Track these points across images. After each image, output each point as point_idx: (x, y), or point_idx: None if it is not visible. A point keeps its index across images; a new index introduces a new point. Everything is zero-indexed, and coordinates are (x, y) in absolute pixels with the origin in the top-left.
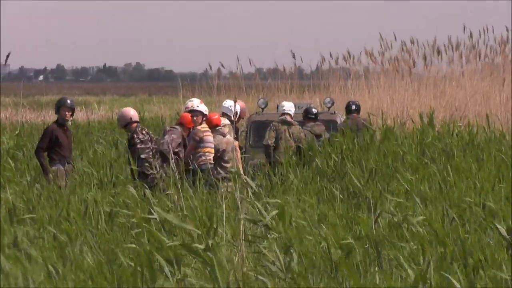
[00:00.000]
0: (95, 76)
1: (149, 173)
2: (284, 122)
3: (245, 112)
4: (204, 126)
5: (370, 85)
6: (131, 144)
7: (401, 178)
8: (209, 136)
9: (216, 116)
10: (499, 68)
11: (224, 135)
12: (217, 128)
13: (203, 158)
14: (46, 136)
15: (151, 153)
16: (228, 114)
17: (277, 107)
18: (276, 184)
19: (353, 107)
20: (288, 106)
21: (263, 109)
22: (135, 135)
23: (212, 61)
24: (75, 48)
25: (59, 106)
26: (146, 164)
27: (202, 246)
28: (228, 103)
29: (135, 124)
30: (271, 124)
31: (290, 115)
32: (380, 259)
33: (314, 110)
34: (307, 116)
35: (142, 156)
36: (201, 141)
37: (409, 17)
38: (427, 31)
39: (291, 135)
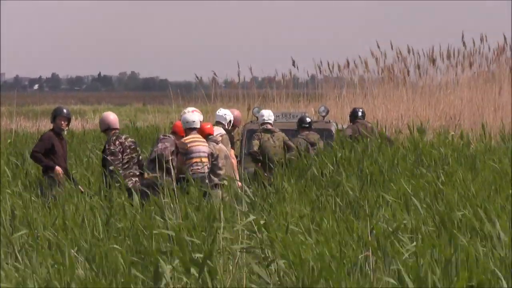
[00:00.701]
0: (90, 85)
1: (118, 184)
2: (266, 131)
3: (240, 120)
4: (190, 137)
5: (365, 93)
6: (104, 152)
7: (396, 187)
8: (196, 146)
9: (209, 126)
10: (494, 77)
11: (217, 142)
12: (210, 137)
13: (192, 168)
14: (43, 141)
15: (120, 164)
16: (222, 122)
17: (256, 116)
18: (271, 193)
19: (359, 113)
20: (268, 115)
21: (257, 117)
22: (107, 145)
23: (207, 71)
24: (70, 57)
25: (56, 115)
26: (115, 175)
27: (201, 255)
28: (222, 111)
29: (113, 131)
30: (254, 134)
31: (270, 123)
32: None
33: (308, 119)
34: (301, 125)
35: (110, 168)
36: (187, 153)
37: (407, 25)
38: (423, 39)
39: (275, 143)
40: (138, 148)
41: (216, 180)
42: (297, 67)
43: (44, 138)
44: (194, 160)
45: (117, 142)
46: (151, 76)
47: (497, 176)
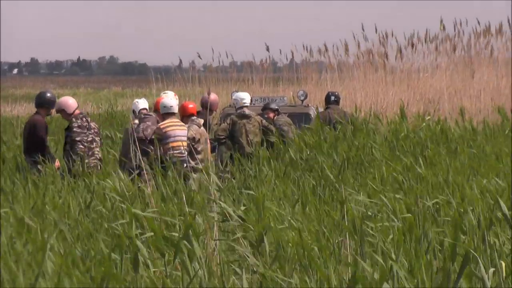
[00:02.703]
0: (69, 70)
1: (77, 157)
2: (243, 116)
3: (217, 104)
4: (166, 122)
5: (344, 77)
6: (68, 128)
7: (375, 171)
8: (173, 131)
9: (192, 105)
10: (473, 61)
11: (199, 126)
12: (192, 118)
13: (170, 153)
14: (42, 128)
15: (85, 138)
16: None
17: (232, 98)
18: (249, 176)
19: (333, 97)
20: (247, 98)
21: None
22: (74, 119)
23: (187, 55)
24: (49, 42)
25: (45, 104)
26: (81, 146)
27: (178, 235)
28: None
29: (77, 113)
30: (229, 118)
31: (247, 107)
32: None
33: (274, 106)
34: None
35: (77, 138)
36: (163, 138)
37: (388, 10)
38: (404, 24)
39: (250, 128)
40: (100, 133)
41: (192, 163)
42: (280, 51)
43: (41, 123)
44: (171, 144)
45: (84, 119)
46: (130, 60)
47: (476, 160)
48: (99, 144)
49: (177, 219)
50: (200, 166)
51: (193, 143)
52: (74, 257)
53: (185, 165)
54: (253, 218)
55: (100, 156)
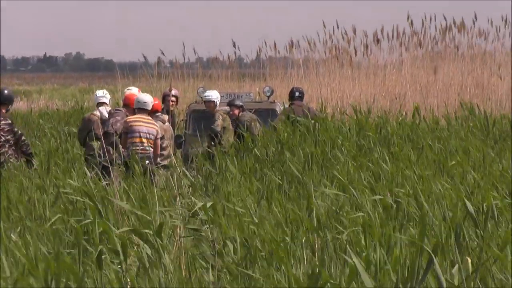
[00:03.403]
0: (36, 66)
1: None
2: (228, 112)
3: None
4: (134, 117)
5: (310, 73)
6: None
7: (340, 167)
8: (136, 126)
9: (156, 102)
10: (439, 57)
11: (164, 122)
12: (157, 114)
13: (132, 148)
14: (14, 127)
15: None
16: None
17: (200, 96)
18: (214, 174)
19: (297, 93)
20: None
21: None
22: None
23: (154, 51)
24: (15, 38)
25: (2, 99)
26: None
27: (150, 232)
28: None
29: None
30: (219, 114)
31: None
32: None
33: (239, 102)
34: (234, 104)
35: None
36: (127, 131)
37: (353, 6)
38: (369, 20)
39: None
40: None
41: (158, 160)
42: (239, 48)
43: (12, 123)
44: (133, 140)
45: None
46: (96, 56)
47: (444, 154)
48: (12, 143)
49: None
50: (165, 162)
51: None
52: (36, 254)
53: (147, 161)
54: (219, 215)
55: (16, 153)
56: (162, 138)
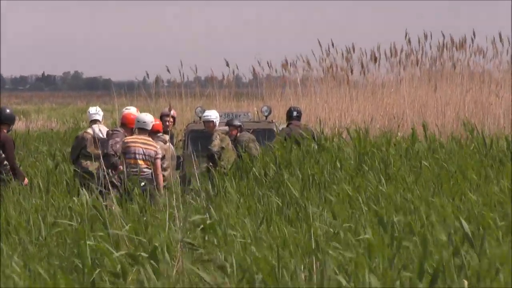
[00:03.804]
0: (34, 85)
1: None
2: (227, 132)
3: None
4: (132, 137)
5: (308, 92)
6: None
7: (338, 188)
8: (133, 147)
9: (158, 122)
10: (437, 75)
11: (165, 142)
12: (158, 135)
13: (128, 170)
14: (13, 146)
15: None
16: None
17: (199, 116)
18: (213, 195)
19: (295, 113)
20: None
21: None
22: None
23: (151, 69)
24: (13, 57)
25: (3, 119)
26: None
27: (146, 255)
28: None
29: None
30: (216, 134)
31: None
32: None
33: (237, 122)
34: (232, 124)
35: None
36: (124, 152)
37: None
38: (366, 38)
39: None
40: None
41: (162, 181)
42: (237, 67)
43: (10, 140)
44: (129, 161)
45: None
46: (94, 75)
47: (442, 175)
48: None
49: (144, 237)
50: (165, 183)
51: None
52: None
53: (143, 183)
54: (218, 237)
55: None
56: (163, 158)
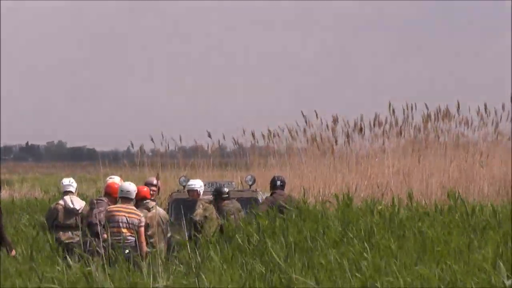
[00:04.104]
0: (18, 154)
1: None
2: (211, 201)
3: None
4: (116, 206)
5: (291, 162)
6: None
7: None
8: (116, 216)
9: (145, 189)
10: (421, 145)
11: (148, 209)
12: (144, 202)
13: (110, 238)
14: (1, 215)
15: None
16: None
17: (182, 185)
18: (197, 262)
19: (278, 182)
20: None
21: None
22: None
23: (135, 138)
24: None
25: None
26: None
27: None
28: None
29: None
30: (200, 203)
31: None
32: None
33: (226, 189)
34: (221, 196)
35: None
36: (108, 221)
37: (335, 94)
38: (350, 108)
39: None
40: None
41: (146, 248)
42: (224, 137)
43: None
44: (112, 229)
45: None
46: (78, 145)
47: (426, 243)
48: None
49: None
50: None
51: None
52: None
53: (126, 251)
54: None
55: None
56: (147, 226)
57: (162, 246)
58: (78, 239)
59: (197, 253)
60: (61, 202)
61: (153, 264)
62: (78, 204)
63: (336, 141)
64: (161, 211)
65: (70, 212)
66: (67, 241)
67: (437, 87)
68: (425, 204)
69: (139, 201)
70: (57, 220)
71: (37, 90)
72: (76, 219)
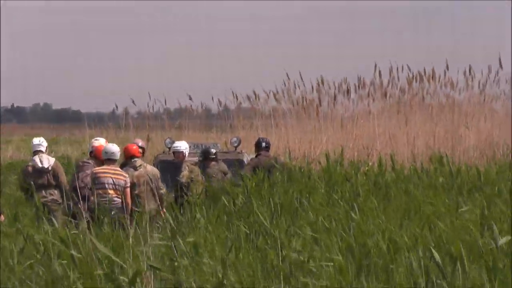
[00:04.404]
0: (3, 116)
1: None
2: (196, 163)
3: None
4: (101, 168)
5: (277, 124)
6: None
7: (307, 217)
8: (103, 177)
9: (135, 147)
10: (406, 107)
11: (135, 168)
12: (132, 160)
13: (98, 199)
14: None
15: None
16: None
17: (168, 147)
18: (182, 222)
19: (263, 144)
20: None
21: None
22: None
23: (121, 101)
24: None
25: None
26: None
27: (126, 278)
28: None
29: None
30: (186, 165)
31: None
32: None
33: (213, 150)
34: (208, 157)
35: None
36: (94, 183)
37: (321, 56)
38: (337, 70)
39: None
40: None
41: (132, 207)
42: (213, 99)
43: None
44: (98, 191)
45: None
46: (64, 107)
47: (411, 204)
48: None
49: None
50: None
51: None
52: None
53: (113, 212)
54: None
55: None
56: (133, 184)
57: (151, 205)
58: (52, 197)
59: (183, 214)
60: (30, 163)
61: (139, 226)
62: (47, 162)
63: (320, 102)
64: (150, 168)
65: (39, 171)
66: (41, 200)
67: (423, 52)
68: (411, 166)
69: (128, 159)
70: (28, 180)
71: (22, 53)
72: (47, 178)
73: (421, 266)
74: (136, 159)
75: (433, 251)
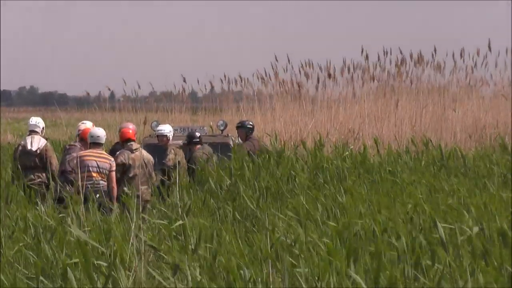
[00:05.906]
0: None
1: None
2: (181, 146)
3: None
4: (86, 151)
5: (263, 107)
6: None
7: (293, 201)
8: (86, 160)
9: (131, 131)
10: (393, 90)
11: (132, 151)
12: (128, 143)
13: (84, 182)
14: None
15: None
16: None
17: (154, 130)
18: (170, 205)
19: (250, 126)
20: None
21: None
22: None
23: (107, 84)
24: None
25: None
26: None
27: (105, 263)
28: (34, 120)
29: None
30: (171, 148)
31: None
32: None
33: (198, 134)
34: (193, 141)
35: None
36: (79, 166)
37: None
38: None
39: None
40: None
41: (126, 189)
42: (198, 81)
43: None
44: (83, 174)
45: None
46: (50, 90)
47: (396, 188)
48: None
49: (105, 247)
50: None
51: (124, 169)
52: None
53: (97, 195)
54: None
55: None
56: (129, 167)
57: (144, 188)
58: (40, 179)
59: (170, 198)
60: (22, 142)
61: (130, 208)
62: (36, 144)
63: (307, 86)
64: (145, 153)
65: (27, 153)
66: (29, 183)
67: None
68: (396, 149)
69: (124, 142)
70: (17, 162)
71: (8, 36)
72: (35, 160)
73: (408, 249)
74: (132, 142)
75: (420, 236)
